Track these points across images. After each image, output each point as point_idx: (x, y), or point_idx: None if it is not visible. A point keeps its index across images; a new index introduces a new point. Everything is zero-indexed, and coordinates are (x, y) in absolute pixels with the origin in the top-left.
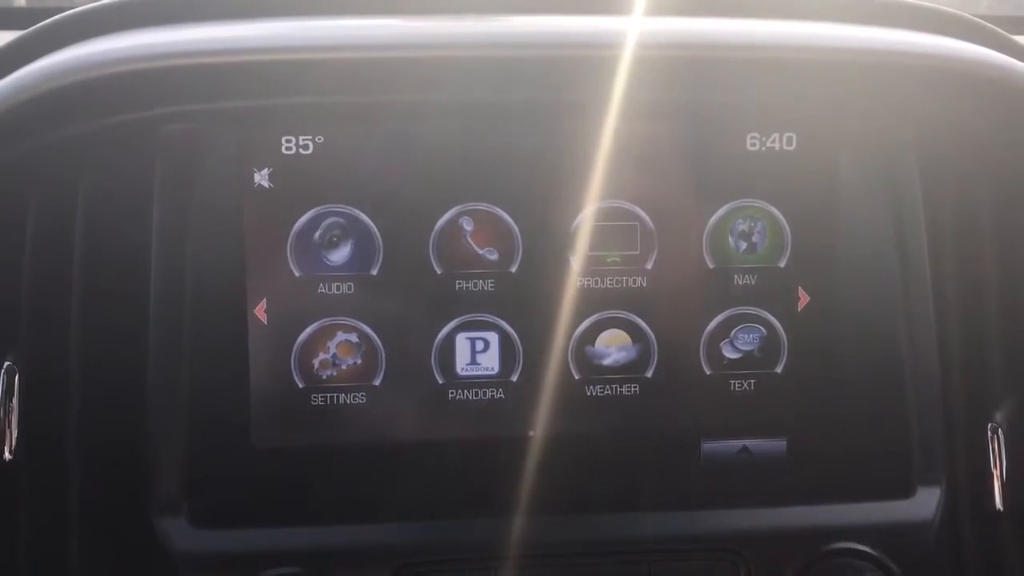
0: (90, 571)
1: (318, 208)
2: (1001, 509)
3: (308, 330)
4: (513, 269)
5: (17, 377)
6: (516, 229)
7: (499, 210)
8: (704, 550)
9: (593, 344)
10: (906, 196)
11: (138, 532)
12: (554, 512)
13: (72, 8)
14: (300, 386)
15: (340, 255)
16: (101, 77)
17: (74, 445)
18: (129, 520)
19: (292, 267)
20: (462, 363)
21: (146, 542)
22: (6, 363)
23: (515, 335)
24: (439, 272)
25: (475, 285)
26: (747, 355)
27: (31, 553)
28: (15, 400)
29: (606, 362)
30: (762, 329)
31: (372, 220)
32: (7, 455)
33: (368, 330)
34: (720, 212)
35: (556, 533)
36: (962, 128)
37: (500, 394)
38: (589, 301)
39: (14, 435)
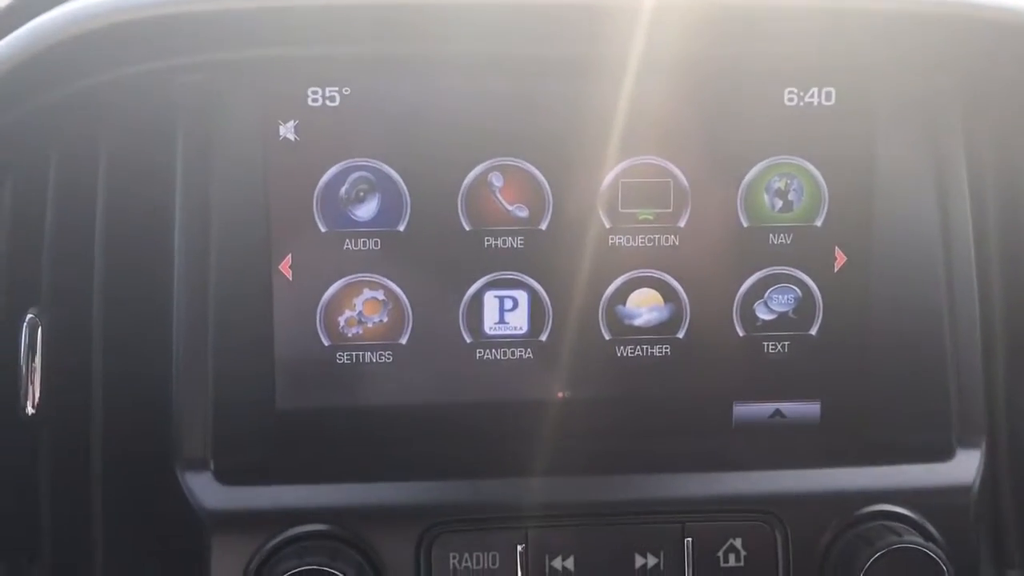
0: (114, 527)
1: (345, 162)
2: None
3: (334, 287)
4: (543, 226)
5: (40, 331)
6: (546, 185)
7: (529, 166)
8: (740, 511)
9: (624, 304)
10: (948, 153)
11: (163, 488)
12: (584, 473)
13: None
14: (325, 344)
15: (367, 210)
16: (117, 24)
17: (98, 401)
18: (154, 476)
19: (318, 222)
20: (490, 322)
21: (172, 498)
22: (28, 315)
23: (544, 294)
24: (468, 229)
25: (504, 242)
26: (781, 316)
27: (55, 508)
28: (38, 354)
29: (637, 322)
30: (797, 290)
31: (400, 175)
32: (30, 410)
33: (395, 287)
34: (755, 169)
35: (587, 493)
36: (1006, 82)
37: (529, 354)
38: (620, 260)
39: (37, 390)
